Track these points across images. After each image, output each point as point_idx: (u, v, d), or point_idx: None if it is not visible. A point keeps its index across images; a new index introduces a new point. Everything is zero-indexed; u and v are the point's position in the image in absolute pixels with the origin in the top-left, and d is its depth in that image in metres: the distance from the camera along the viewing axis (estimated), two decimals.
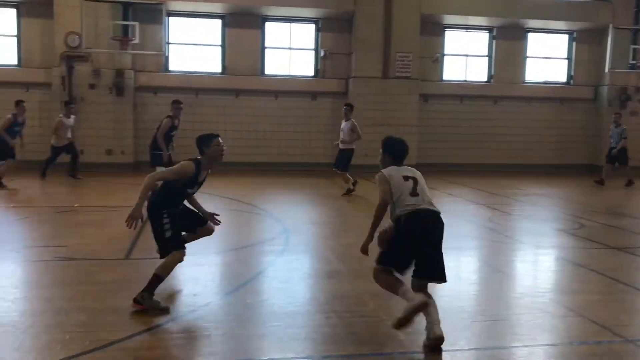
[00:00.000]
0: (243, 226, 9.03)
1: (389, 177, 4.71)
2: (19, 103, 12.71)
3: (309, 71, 17.64)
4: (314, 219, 9.92)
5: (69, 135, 13.76)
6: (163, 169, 7.16)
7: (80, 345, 4.21)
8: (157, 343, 4.40)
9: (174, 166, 5.37)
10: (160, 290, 5.31)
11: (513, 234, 9.13)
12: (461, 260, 7.29)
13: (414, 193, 4.66)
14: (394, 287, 4.63)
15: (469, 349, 4.50)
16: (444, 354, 4.27)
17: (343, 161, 12.28)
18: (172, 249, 5.16)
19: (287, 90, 17.08)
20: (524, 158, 18.56)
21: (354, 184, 12.10)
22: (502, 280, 6.49)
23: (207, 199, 8.91)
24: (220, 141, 5.42)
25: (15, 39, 16.17)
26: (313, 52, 17.61)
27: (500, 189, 13.88)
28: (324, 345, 4.41)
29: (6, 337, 4.38)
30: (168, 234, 5.20)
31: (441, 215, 4.69)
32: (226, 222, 9.11)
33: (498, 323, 5.03)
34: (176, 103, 10.72)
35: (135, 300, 4.99)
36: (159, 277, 5.11)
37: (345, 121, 12.32)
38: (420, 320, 4.42)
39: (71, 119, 13.79)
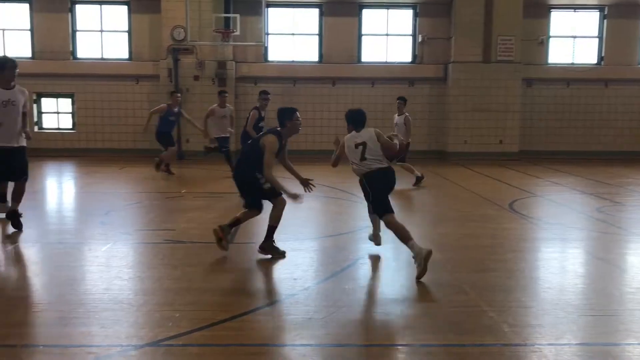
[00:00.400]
0: (340, 213, 9.10)
1: (347, 145, 6.19)
2: (172, 94, 13.34)
3: (407, 57, 17.41)
4: (411, 207, 9.82)
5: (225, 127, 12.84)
6: None
7: (189, 323, 4.44)
8: (259, 324, 4.54)
9: (267, 148, 6.05)
10: (262, 273, 5.48)
11: (626, 226, 8.57)
12: (567, 253, 6.96)
13: (362, 158, 6.02)
14: (405, 234, 5.75)
15: (577, 344, 4.29)
16: (547, 348, 4.10)
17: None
18: (274, 197, 6.23)
19: (384, 77, 16.96)
20: (637, 145, 17.35)
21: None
22: (614, 274, 6.11)
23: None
24: (299, 115, 6.33)
25: (126, 34, 17.17)
26: (411, 37, 17.35)
27: (610, 178, 13.07)
28: (424, 334, 4.36)
29: (122, 314, 4.69)
30: (267, 186, 6.16)
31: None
32: (324, 210, 9.28)
33: (609, 318, 4.75)
34: (263, 94, 10.97)
35: (261, 248, 6.28)
36: (273, 227, 6.33)
37: (399, 115, 11.89)
38: (526, 313, 4.26)
39: (226, 109, 12.95)
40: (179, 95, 13.98)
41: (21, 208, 7.53)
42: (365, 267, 6.25)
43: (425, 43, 17.14)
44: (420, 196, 11.03)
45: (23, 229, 7.38)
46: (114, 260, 6.34)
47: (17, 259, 6.56)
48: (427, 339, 4.26)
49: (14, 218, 7.39)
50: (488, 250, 6.89)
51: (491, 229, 7.93)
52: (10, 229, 7.40)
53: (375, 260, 6.53)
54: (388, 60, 17.34)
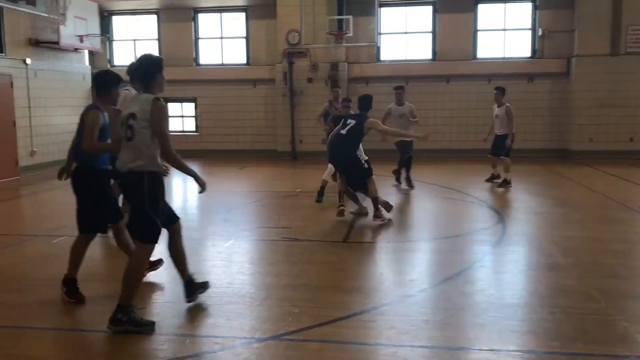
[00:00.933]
0: (457, 214, 8.91)
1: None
2: (332, 89, 12.53)
3: (525, 52, 16.67)
4: (532, 209, 9.39)
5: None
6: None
7: (309, 319, 4.56)
8: (376, 324, 4.57)
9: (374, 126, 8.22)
10: (378, 273, 5.51)
11: None
12: None
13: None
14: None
15: None
16: None
17: (501, 147, 11.17)
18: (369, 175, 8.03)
19: (502, 73, 16.32)
20: None
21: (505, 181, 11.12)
22: None
23: (420, 186, 9.01)
24: None
25: (244, 40, 17.89)
26: (530, 31, 16.60)
27: None
28: (548, 340, 4.18)
29: (245, 308, 4.91)
30: (365, 165, 8.11)
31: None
32: (440, 210, 9.13)
33: None
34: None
35: (375, 216, 7.93)
36: (377, 198, 7.98)
37: (498, 106, 11.30)
38: None
39: (403, 107, 11.40)
40: (337, 89, 12.33)
41: None
42: (483, 270, 6.08)
43: (545, 37, 16.30)
44: (540, 197, 10.53)
45: None
46: (236, 256, 6.65)
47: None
48: (551, 347, 4.08)
49: None
50: (618, 255, 6.44)
51: (621, 233, 7.41)
52: None
53: (494, 262, 6.35)
54: (506, 56, 16.70)
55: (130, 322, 4.28)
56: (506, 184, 11.05)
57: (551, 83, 16.37)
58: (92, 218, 5.12)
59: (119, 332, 4.28)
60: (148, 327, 4.33)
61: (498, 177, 11.46)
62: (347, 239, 7.28)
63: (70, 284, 5.07)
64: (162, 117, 4.44)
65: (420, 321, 4.55)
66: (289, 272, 5.90)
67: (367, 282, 5.64)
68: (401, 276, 5.86)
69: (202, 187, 4.84)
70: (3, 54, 13.13)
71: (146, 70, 4.64)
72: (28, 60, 13.92)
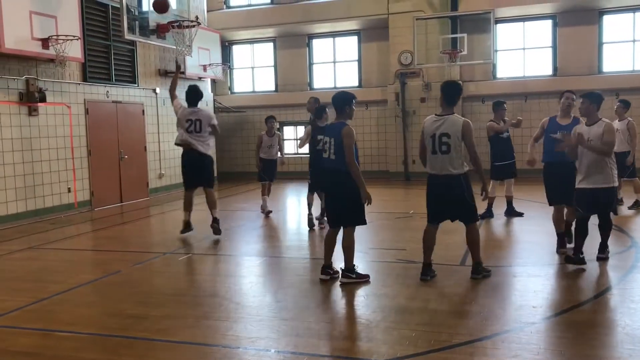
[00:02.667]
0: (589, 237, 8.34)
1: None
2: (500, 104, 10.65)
3: None
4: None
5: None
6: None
7: (426, 343, 4.46)
8: (496, 351, 4.37)
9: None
10: (499, 298, 5.30)
11: None
12: None
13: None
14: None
15: None
16: None
17: (624, 166, 9.89)
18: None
19: (631, 87, 15.27)
20: None
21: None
22: None
23: (541, 207, 8.59)
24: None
25: (356, 63, 18.13)
26: None
27: None
28: None
29: (362, 329, 4.90)
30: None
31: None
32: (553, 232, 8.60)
33: None
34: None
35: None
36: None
37: (620, 120, 10.24)
38: None
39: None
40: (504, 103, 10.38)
41: (263, 226, 8.37)
42: (616, 298, 5.63)
43: None
44: None
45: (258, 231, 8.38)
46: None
47: (268, 272, 7.26)
48: None
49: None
50: None
51: None
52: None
53: (627, 290, 5.87)
54: (635, 69, 15.60)
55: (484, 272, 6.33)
56: (637, 205, 10.25)
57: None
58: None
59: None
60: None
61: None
62: (464, 263, 7.07)
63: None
64: (472, 133, 6.09)
65: (545, 351, 4.30)
66: (404, 294, 5.82)
67: (487, 307, 5.42)
68: (523, 302, 5.57)
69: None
70: (136, 85, 14.25)
71: None
72: (157, 90, 15.02)
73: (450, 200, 6.19)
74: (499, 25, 16.59)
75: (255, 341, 4.67)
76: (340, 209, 6.28)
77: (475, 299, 5.65)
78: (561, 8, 15.84)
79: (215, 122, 9.21)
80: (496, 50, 16.50)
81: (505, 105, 10.11)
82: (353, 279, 6.28)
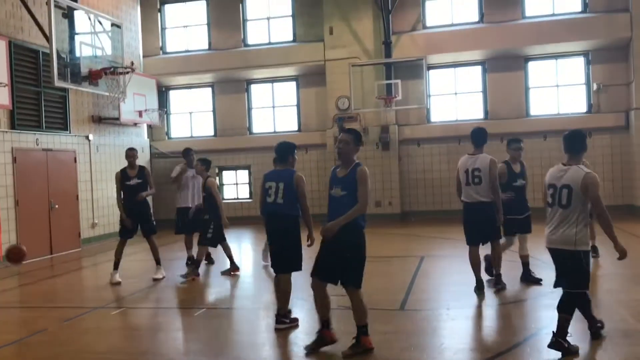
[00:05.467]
0: (517, 278, 8.52)
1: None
2: None
3: (581, 107, 16.36)
4: (599, 270, 8.92)
5: None
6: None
7: None
8: None
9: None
10: (440, 342, 5.27)
11: None
12: None
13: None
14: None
15: None
16: None
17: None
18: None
19: (557, 129, 16.00)
20: None
21: None
22: None
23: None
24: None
25: (295, 107, 18.32)
26: (584, 86, 16.34)
27: None
28: None
29: None
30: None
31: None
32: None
33: None
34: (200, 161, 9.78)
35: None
36: None
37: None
38: None
39: None
40: None
41: (207, 272, 8.14)
42: (545, 340, 5.72)
43: (601, 91, 16.01)
44: (606, 258, 10.01)
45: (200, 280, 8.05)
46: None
47: (204, 324, 7.02)
48: None
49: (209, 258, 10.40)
50: None
51: None
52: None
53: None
54: (560, 112, 16.43)
55: None
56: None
57: (610, 137, 15.94)
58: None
59: None
60: None
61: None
62: (404, 307, 7.06)
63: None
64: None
65: None
66: (343, 343, 5.72)
67: (427, 353, 5.39)
68: (462, 346, 5.59)
69: None
70: (68, 132, 13.84)
71: None
72: (91, 136, 14.64)
73: (481, 222, 7.39)
74: (431, 71, 17.19)
75: None
76: (283, 254, 6.30)
77: (415, 345, 5.61)
78: (489, 55, 16.60)
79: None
80: (429, 95, 17.05)
81: (522, 144, 8.47)
82: (287, 324, 6.29)
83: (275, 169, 6.60)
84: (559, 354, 5.15)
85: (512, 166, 8.23)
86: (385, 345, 5.58)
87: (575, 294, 5.17)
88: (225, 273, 9.72)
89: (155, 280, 9.25)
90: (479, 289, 7.45)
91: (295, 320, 6.43)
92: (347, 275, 5.38)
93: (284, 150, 6.48)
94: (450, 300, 7.36)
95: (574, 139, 5.55)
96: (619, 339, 5.50)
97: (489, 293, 7.65)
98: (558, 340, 5.04)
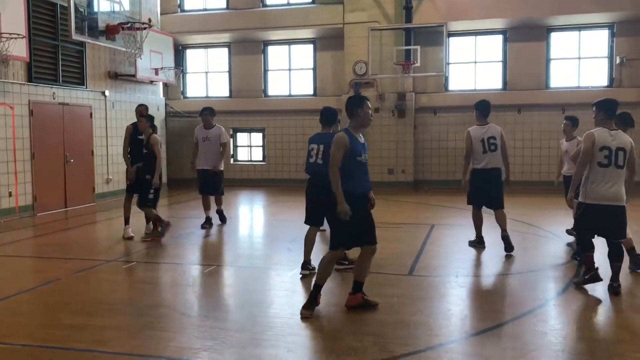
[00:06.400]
0: (528, 249, 8.52)
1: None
2: None
3: (602, 81, 16.06)
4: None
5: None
6: None
7: (372, 354, 4.43)
8: None
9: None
10: (445, 308, 5.32)
11: None
12: None
13: None
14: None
15: None
16: None
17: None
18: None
19: (576, 102, 15.75)
20: None
21: None
22: None
23: (490, 219, 8.72)
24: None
25: (311, 71, 18.15)
26: (607, 59, 16.00)
27: None
28: None
29: (307, 339, 4.84)
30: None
31: None
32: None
33: None
34: None
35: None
36: None
37: (568, 140, 8.77)
38: None
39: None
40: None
41: (219, 232, 8.22)
42: (557, 309, 5.75)
43: (624, 65, 15.67)
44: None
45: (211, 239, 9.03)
46: (299, 286, 6.61)
47: (215, 281, 7.12)
48: None
49: (221, 214, 10.57)
50: None
51: None
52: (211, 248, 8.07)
53: (570, 301, 6.00)
54: (581, 85, 16.15)
55: None
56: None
57: (631, 112, 15.61)
58: None
59: None
60: None
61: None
62: (412, 273, 7.10)
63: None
64: None
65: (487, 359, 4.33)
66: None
67: (433, 317, 5.44)
68: (469, 313, 5.63)
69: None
70: (84, 87, 13.85)
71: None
72: (107, 92, 14.64)
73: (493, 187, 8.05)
74: (451, 39, 16.89)
75: (198, 352, 4.54)
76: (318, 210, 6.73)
77: (423, 310, 5.65)
78: (511, 24, 16.26)
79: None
80: (448, 63, 16.79)
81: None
82: (310, 270, 6.90)
83: (320, 132, 7.00)
84: (563, 324, 5.17)
85: None
86: (393, 309, 5.63)
87: (621, 242, 6.07)
88: (146, 239, 9.20)
89: (128, 238, 9.22)
90: (480, 244, 8.35)
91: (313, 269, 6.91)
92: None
93: (328, 115, 6.99)
94: (458, 268, 7.38)
95: (616, 106, 6.17)
96: (627, 313, 5.50)
97: (496, 263, 7.67)
98: (617, 284, 5.96)
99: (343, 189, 5.32)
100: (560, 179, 9.05)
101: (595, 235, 6.11)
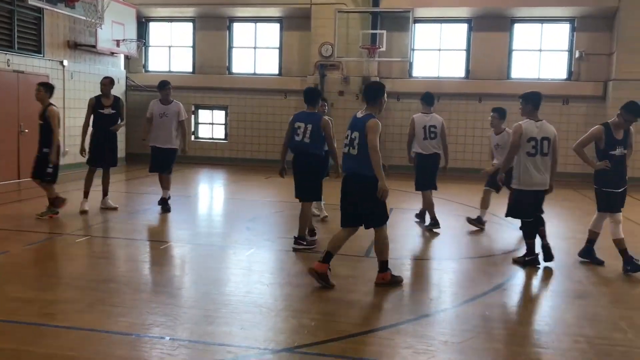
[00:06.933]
0: (483, 235, 8.71)
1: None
2: None
3: (561, 74, 16.42)
4: (561, 234, 9.15)
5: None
6: None
7: (325, 332, 4.47)
8: (392, 342, 4.45)
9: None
10: (400, 290, 5.41)
11: None
12: None
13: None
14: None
15: None
16: None
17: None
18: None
19: None
20: None
21: None
22: None
23: (442, 204, 8.86)
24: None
25: (277, 50, 17.99)
26: (566, 53, 16.35)
27: None
28: None
29: (262, 318, 4.84)
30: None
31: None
32: (466, 230, 8.92)
33: None
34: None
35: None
36: None
37: (497, 134, 8.74)
38: None
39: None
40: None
41: (178, 211, 8.13)
42: (508, 294, 5.91)
43: (582, 59, 16.05)
44: (571, 222, 10.28)
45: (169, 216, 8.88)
46: (256, 265, 6.60)
47: (170, 258, 7.05)
48: None
49: (165, 204, 9.51)
50: None
51: None
52: (168, 226, 7.99)
53: (520, 287, 6.18)
54: (541, 77, 16.47)
55: None
56: (479, 223, 8.99)
57: (587, 106, 16.08)
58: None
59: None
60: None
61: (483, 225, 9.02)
62: (368, 254, 7.18)
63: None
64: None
65: (438, 342, 4.42)
66: (308, 284, 5.81)
67: (387, 298, 5.52)
68: (422, 294, 5.73)
69: None
70: (41, 55, 13.41)
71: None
72: (65, 62, 14.22)
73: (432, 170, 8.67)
74: (417, 25, 16.98)
75: (149, 328, 4.51)
76: (306, 185, 7.26)
77: (378, 291, 5.73)
78: (476, 13, 16.43)
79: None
80: (413, 49, 16.89)
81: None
82: (304, 246, 7.17)
83: (305, 111, 7.20)
84: (511, 309, 5.33)
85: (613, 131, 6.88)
86: (349, 289, 5.69)
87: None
88: (42, 215, 8.71)
89: (83, 212, 9.07)
90: (434, 226, 8.62)
91: (313, 243, 7.35)
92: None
93: (314, 95, 7.26)
94: (413, 251, 7.51)
95: (541, 99, 6.71)
96: (574, 299, 5.69)
97: (450, 247, 7.82)
98: (525, 259, 6.71)
99: (369, 173, 5.49)
100: (488, 169, 8.89)
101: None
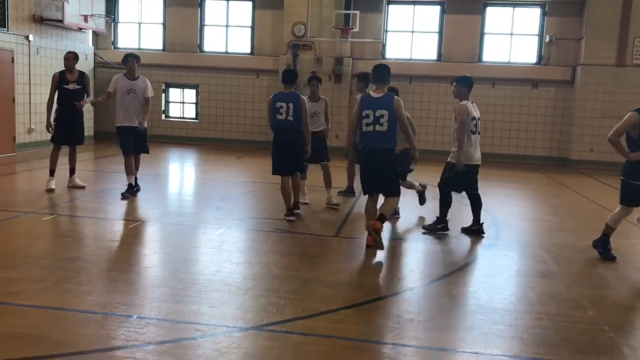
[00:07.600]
0: (449, 215, 8.81)
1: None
2: None
3: (531, 58, 16.60)
4: (527, 215, 9.34)
5: None
6: None
7: (293, 311, 4.50)
8: (360, 319, 4.51)
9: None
10: (368, 269, 5.45)
11: None
12: None
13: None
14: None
15: None
16: None
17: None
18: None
19: (506, 77, 16.29)
20: None
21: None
22: None
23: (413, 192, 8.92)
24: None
25: (249, 29, 17.78)
26: (537, 37, 16.52)
27: None
28: (533, 347, 4.12)
29: (230, 296, 4.85)
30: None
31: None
32: (434, 211, 9.01)
33: None
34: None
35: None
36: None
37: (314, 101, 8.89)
38: None
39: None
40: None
41: (147, 190, 8.05)
42: (474, 273, 6.03)
43: (552, 43, 16.25)
44: (536, 204, 10.48)
45: (138, 196, 8.91)
46: (226, 245, 6.59)
47: (138, 237, 6.99)
48: (536, 353, 4.02)
49: (132, 189, 8.96)
50: (611, 266, 6.38)
51: (616, 244, 7.33)
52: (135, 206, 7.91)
53: (485, 266, 6.30)
54: (511, 61, 16.63)
55: None
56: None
57: (556, 90, 16.32)
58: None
59: None
60: None
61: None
62: (338, 234, 7.23)
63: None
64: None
65: (405, 320, 4.49)
66: (277, 263, 5.84)
67: (355, 277, 5.58)
68: (389, 274, 5.81)
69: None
70: (5, 29, 13.03)
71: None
72: (31, 37, 13.84)
73: None
74: (390, 6, 16.95)
75: (117, 307, 4.47)
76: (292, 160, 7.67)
77: (346, 269, 5.78)
78: None
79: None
80: (386, 31, 16.88)
81: None
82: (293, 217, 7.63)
83: (283, 91, 7.52)
84: (475, 287, 5.43)
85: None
86: (319, 268, 5.74)
87: None
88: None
89: (50, 190, 8.87)
90: (349, 192, 9.75)
91: (297, 214, 7.84)
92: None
93: (290, 75, 7.61)
94: (382, 231, 7.56)
95: (472, 81, 7.60)
96: (537, 278, 5.82)
97: (418, 227, 7.92)
98: (479, 227, 7.31)
99: (394, 146, 6.32)
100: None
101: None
